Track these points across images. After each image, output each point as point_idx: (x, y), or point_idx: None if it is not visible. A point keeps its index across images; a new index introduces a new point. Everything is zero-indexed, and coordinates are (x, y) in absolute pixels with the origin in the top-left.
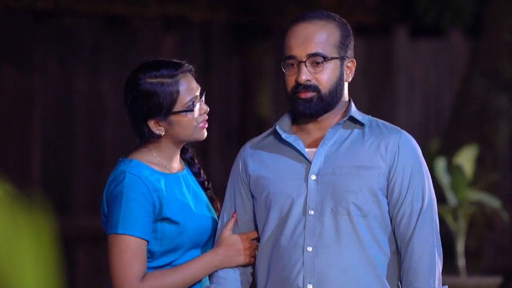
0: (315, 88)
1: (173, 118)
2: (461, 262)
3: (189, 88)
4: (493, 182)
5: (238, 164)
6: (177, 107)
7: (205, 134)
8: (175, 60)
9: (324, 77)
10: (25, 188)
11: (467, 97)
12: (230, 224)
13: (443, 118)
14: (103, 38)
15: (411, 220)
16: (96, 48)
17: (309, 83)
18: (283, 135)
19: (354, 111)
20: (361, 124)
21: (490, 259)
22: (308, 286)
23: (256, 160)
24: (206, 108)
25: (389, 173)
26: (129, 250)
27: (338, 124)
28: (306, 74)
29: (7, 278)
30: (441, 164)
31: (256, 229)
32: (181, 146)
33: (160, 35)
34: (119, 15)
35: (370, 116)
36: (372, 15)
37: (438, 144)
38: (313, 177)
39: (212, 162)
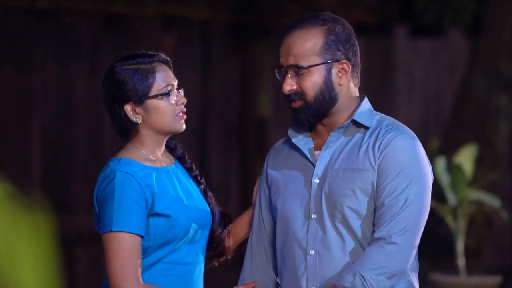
0: (300, 96)
1: (149, 103)
2: (460, 261)
3: (165, 76)
4: (492, 182)
5: (264, 163)
6: (153, 92)
7: (184, 126)
8: (151, 52)
9: (306, 84)
10: (25, 187)
11: (466, 97)
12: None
13: (443, 118)
14: (103, 38)
15: (385, 217)
16: (95, 48)
17: (293, 92)
18: (293, 140)
19: (359, 113)
20: (366, 127)
21: (489, 258)
22: None
23: (276, 162)
24: (183, 100)
25: (377, 174)
26: (125, 248)
27: (340, 127)
28: (289, 85)
29: (7, 278)
30: (440, 163)
31: None
32: (164, 139)
33: (160, 34)
34: (119, 15)
35: (382, 115)
36: (372, 15)
37: (437, 144)
38: (316, 180)
39: (211, 161)
